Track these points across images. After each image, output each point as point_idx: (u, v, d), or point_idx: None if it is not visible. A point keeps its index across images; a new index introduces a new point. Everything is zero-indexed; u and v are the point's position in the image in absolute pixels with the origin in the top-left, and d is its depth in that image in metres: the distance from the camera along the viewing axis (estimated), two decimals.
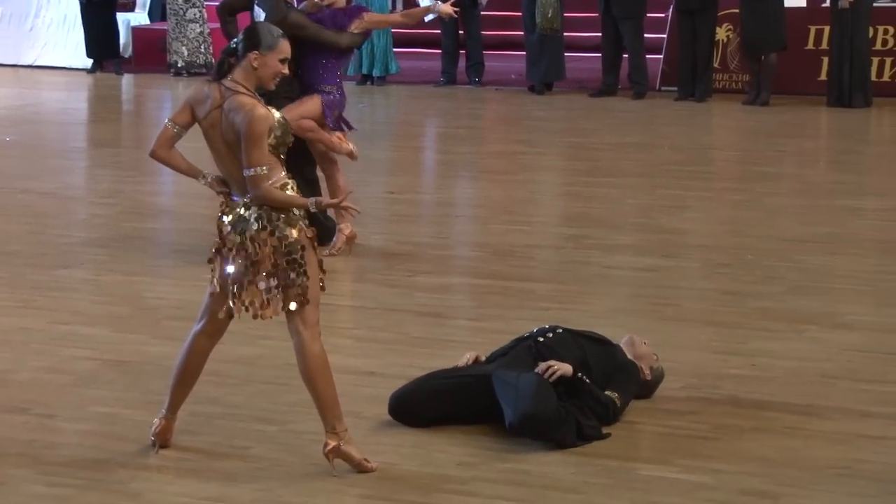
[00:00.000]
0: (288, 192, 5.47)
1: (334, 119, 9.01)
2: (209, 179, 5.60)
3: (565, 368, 5.89)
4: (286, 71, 5.57)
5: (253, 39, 5.49)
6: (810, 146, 13.65)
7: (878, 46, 15.68)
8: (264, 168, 5.38)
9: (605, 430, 5.82)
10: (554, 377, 5.87)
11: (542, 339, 6.10)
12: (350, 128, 9.18)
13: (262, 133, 5.39)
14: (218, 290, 5.57)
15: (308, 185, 8.71)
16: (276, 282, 5.47)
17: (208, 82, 5.56)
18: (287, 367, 6.29)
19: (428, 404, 5.96)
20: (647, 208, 10.45)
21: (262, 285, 5.48)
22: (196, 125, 5.59)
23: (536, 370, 5.89)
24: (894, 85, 15.72)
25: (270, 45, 5.48)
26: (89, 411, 6.22)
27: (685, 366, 6.74)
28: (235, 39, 5.57)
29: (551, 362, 5.91)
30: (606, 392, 5.96)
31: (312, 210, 5.48)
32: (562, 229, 10.02)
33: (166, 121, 5.61)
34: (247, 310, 5.51)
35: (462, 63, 17.52)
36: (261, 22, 5.55)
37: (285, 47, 5.52)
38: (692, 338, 7.24)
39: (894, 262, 8.77)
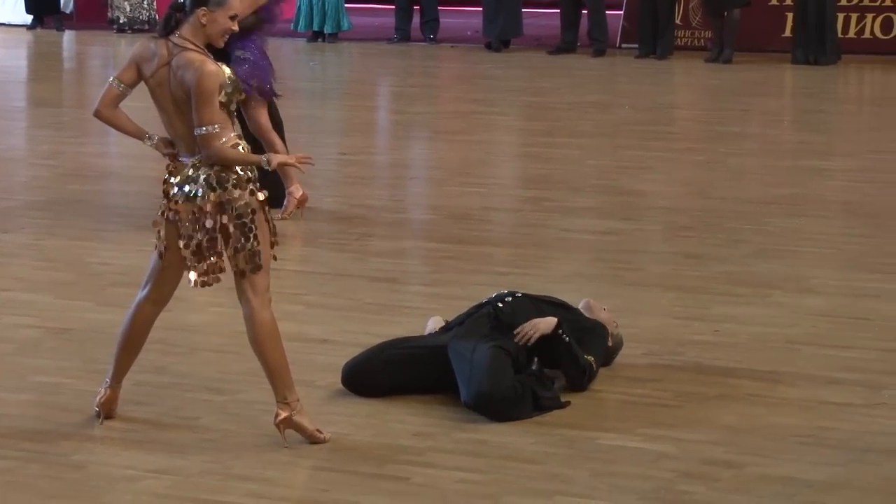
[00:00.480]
0: (240, 151, 5.44)
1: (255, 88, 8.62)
2: (155, 141, 5.55)
3: (545, 325, 5.87)
4: (236, 28, 5.52)
5: None
6: (774, 105, 13.69)
7: (844, 2, 15.72)
8: (216, 126, 5.34)
9: (564, 399, 5.83)
10: (532, 340, 5.85)
11: (500, 305, 6.10)
12: (275, 95, 8.93)
13: (213, 90, 5.34)
14: (164, 254, 5.53)
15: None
16: (224, 246, 5.43)
17: (154, 38, 5.50)
18: (236, 335, 6.26)
19: (382, 375, 5.94)
20: (607, 170, 10.46)
21: (210, 249, 5.44)
22: (142, 84, 5.53)
23: (516, 339, 5.88)
24: (860, 41, 15.77)
25: (220, 2, 5.44)
26: (31, 381, 6.17)
27: (647, 332, 6.76)
28: None
29: (526, 326, 5.89)
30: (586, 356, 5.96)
31: (266, 168, 5.44)
32: (520, 191, 10.01)
33: (111, 79, 5.55)
34: (198, 278, 5.48)
35: (416, 19, 17.46)
36: None
37: (235, 4, 5.48)
38: (654, 303, 7.25)
39: (860, 224, 8.82)
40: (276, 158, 5.49)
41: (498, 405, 5.69)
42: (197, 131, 5.35)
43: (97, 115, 5.59)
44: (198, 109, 5.34)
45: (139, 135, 5.57)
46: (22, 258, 8.27)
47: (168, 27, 5.47)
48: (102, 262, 8.04)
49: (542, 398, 5.79)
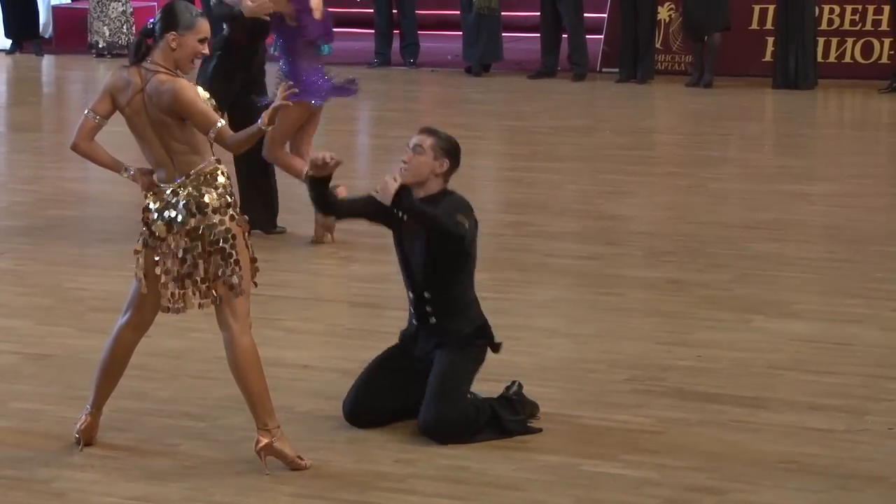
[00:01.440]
0: (219, 178, 5.44)
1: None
2: (132, 172, 5.55)
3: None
4: (206, 51, 5.54)
5: (171, 19, 5.45)
6: (755, 129, 13.73)
7: (824, 26, 15.78)
8: (221, 122, 5.35)
9: (538, 426, 5.82)
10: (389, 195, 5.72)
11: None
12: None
13: (194, 96, 5.38)
14: (143, 281, 5.52)
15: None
16: (204, 272, 5.42)
17: (126, 67, 5.51)
18: (216, 361, 6.25)
19: (387, 401, 5.90)
20: (588, 194, 10.48)
21: (190, 275, 5.43)
22: (117, 113, 5.54)
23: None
24: (840, 66, 15.83)
25: (189, 25, 5.45)
26: (10, 407, 6.15)
27: (629, 357, 6.76)
28: (152, 19, 5.53)
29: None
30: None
31: (263, 129, 5.35)
32: (501, 216, 10.01)
33: (86, 111, 5.55)
34: (175, 304, 5.47)
35: (396, 43, 17.49)
36: (178, 1, 5.51)
37: (204, 27, 5.49)
38: (636, 328, 7.26)
39: (841, 249, 8.84)
40: (266, 114, 5.41)
41: (449, 428, 5.68)
42: (211, 134, 5.36)
43: (75, 148, 5.58)
44: (194, 117, 5.36)
45: (116, 167, 5.58)
46: (1, 283, 8.24)
47: (139, 54, 5.49)
48: (82, 287, 8.03)
49: (506, 421, 5.78)
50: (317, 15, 8.97)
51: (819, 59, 15.52)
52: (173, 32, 5.43)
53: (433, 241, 5.83)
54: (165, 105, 5.38)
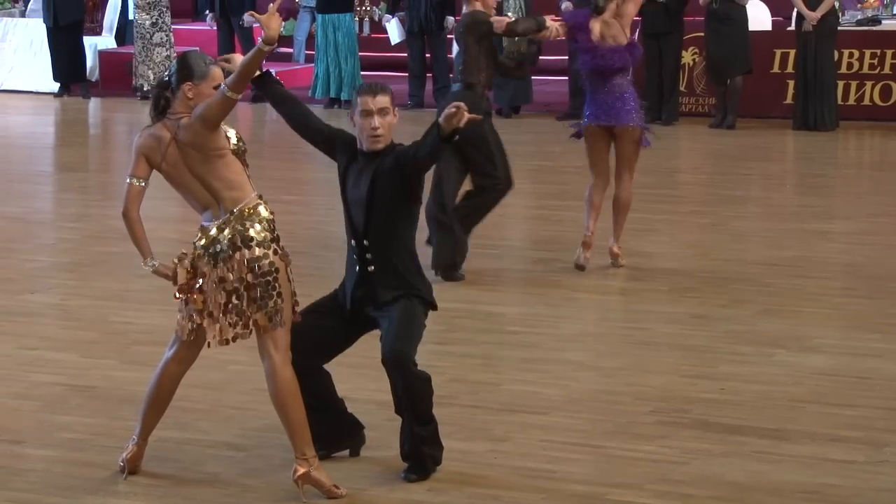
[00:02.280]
0: (262, 213, 5.48)
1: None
2: (155, 265, 5.55)
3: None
4: None
5: (185, 70, 5.50)
6: (776, 169, 13.70)
7: (844, 70, 15.76)
8: (226, 88, 5.35)
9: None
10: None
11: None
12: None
13: (203, 107, 5.41)
14: (186, 328, 5.55)
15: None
16: (248, 303, 5.45)
17: (150, 126, 5.55)
18: (255, 393, 6.28)
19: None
20: None
21: (234, 308, 5.46)
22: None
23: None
24: (859, 108, 15.80)
25: (203, 75, 5.50)
26: (57, 437, 6.17)
27: (654, 390, 6.75)
28: (168, 72, 5.57)
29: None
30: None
31: (265, 48, 5.37)
32: (530, 253, 10.02)
33: (128, 179, 5.56)
34: (222, 336, 5.49)
35: (429, 86, 17.54)
36: (190, 52, 5.58)
37: (218, 74, 5.54)
38: (661, 362, 7.25)
39: (861, 286, 8.81)
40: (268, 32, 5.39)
41: (406, 364, 5.61)
42: (223, 90, 5.35)
43: (126, 214, 5.57)
44: (210, 108, 5.38)
45: (145, 252, 5.57)
46: (48, 318, 8.29)
47: (159, 108, 5.54)
48: (126, 321, 8.06)
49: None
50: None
51: (839, 101, 15.49)
52: (189, 83, 5.48)
53: (382, 182, 5.70)
54: (191, 137, 5.43)
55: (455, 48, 9.73)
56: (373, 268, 5.76)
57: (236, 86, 5.36)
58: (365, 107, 5.74)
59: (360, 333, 5.92)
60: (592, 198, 9.42)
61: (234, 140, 5.56)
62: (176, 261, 5.57)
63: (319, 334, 5.78)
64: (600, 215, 9.30)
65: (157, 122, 5.53)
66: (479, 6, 9.33)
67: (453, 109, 5.61)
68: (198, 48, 19.10)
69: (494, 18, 9.29)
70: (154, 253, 5.59)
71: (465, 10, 9.45)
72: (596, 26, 9.21)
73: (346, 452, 5.90)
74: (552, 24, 9.35)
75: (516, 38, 16.37)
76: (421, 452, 5.64)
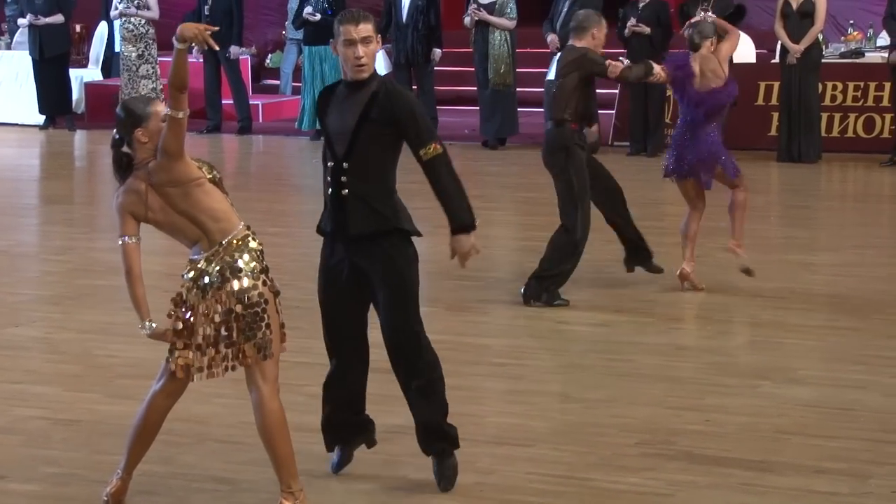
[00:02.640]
0: (251, 244, 5.48)
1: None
2: (154, 327, 5.51)
3: None
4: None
5: (130, 119, 5.50)
6: (761, 201, 13.70)
7: (828, 102, 15.83)
8: (178, 112, 5.34)
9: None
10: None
11: None
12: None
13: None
14: (177, 367, 5.54)
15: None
16: (237, 334, 5.45)
17: (124, 183, 5.52)
18: (241, 426, 6.27)
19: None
20: (600, 263, 10.47)
21: (223, 339, 5.46)
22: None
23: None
24: (843, 140, 15.86)
25: (147, 115, 5.49)
26: (41, 472, 6.15)
27: (639, 421, 6.75)
28: (115, 133, 5.54)
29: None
30: None
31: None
32: (517, 284, 10.01)
33: (121, 239, 5.52)
34: (211, 368, 5.48)
35: None
36: (126, 100, 5.56)
37: (159, 107, 5.52)
38: (646, 393, 7.25)
39: (844, 318, 8.83)
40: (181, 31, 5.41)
41: (411, 340, 5.85)
42: (173, 114, 5.34)
43: (131, 272, 5.50)
44: (167, 140, 5.38)
45: (144, 314, 5.50)
46: (32, 351, 8.27)
47: (123, 167, 5.52)
48: (111, 354, 8.05)
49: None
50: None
51: (823, 133, 15.55)
52: (139, 129, 5.47)
53: (372, 125, 5.68)
54: (164, 175, 5.42)
55: (549, 74, 9.65)
56: (347, 191, 5.74)
57: (176, 102, 5.35)
58: (348, 36, 5.69)
59: (367, 294, 5.88)
60: (689, 227, 9.68)
61: (206, 170, 5.56)
62: (170, 323, 5.52)
63: (346, 323, 5.88)
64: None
65: (130, 178, 5.51)
66: (591, 42, 9.33)
67: (462, 260, 5.85)
68: None
69: (610, 62, 9.25)
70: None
71: (572, 41, 9.44)
72: (696, 65, 9.38)
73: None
74: (659, 70, 9.47)
75: (502, 70, 16.47)
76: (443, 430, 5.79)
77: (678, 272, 9.52)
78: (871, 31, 16.92)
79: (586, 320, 8.85)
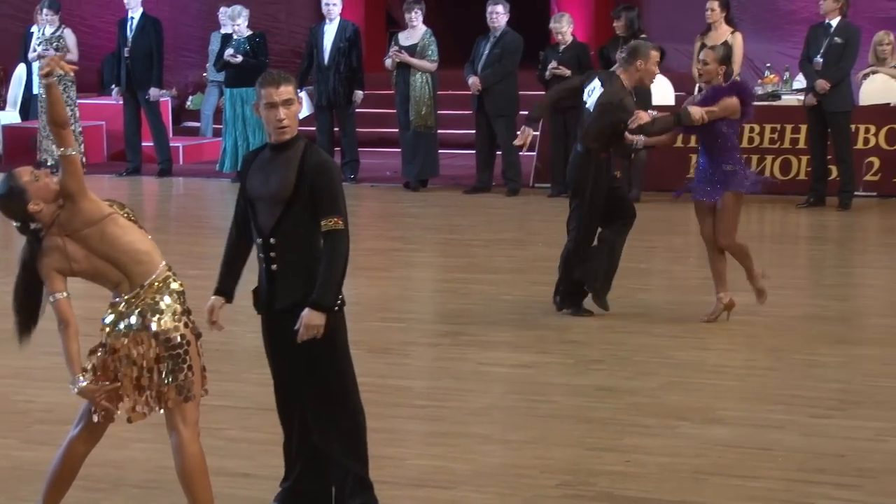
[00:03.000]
0: (172, 285, 5.45)
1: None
2: (83, 386, 5.45)
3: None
4: (53, 184, 5.49)
5: (14, 205, 5.48)
6: (680, 242, 13.84)
7: (745, 144, 15.98)
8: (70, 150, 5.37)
9: None
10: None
11: None
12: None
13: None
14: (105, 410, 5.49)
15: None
16: (157, 377, 5.41)
17: (42, 243, 5.47)
18: (159, 471, 6.21)
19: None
20: (521, 304, 10.52)
21: (143, 382, 5.42)
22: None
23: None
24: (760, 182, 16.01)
25: (21, 188, 5.47)
26: None
27: (560, 463, 6.76)
28: (13, 223, 5.49)
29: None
30: None
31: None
32: (438, 326, 10.04)
33: (52, 297, 5.46)
34: (134, 411, 5.44)
35: (337, 160, 17.58)
36: (7, 183, 5.52)
37: (25, 175, 5.50)
38: (566, 434, 7.27)
39: (762, 357, 8.91)
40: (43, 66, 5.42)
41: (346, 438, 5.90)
42: (63, 152, 5.36)
43: (69, 325, 5.45)
44: (66, 184, 5.39)
45: (76, 369, 5.45)
46: None
47: (32, 236, 5.48)
48: (28, 399, 7.95)
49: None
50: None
51: None
52: (27, 204, 5.45)
53: (302, 187, 5.69)
54: (75, 219, 5.39)
55: (588, 100, 9.88)
56: (276, 266, 5.75)
57: (61, 140, 5.36)
58: (269, 99, 5.71)
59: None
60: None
61: (116, 208, 5.52)
62: (92, 377, 5.47)
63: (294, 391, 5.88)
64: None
65: (45, 238, 5.45)
66: (634, 74, 9.70)
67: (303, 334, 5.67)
68: (103, 122, 19.06)
69: (638, 114, 9.49)
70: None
71: (620, 70, 9.73)
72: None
73: None
74: (700, 112, 9.45)
75: (423, 112, 16.52)
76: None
77: (726, 301, 9.79)
78: (787, 74, 17.14)
79: (508, 361, 8.86)
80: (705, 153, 9.74)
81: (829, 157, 15.10)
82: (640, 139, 9.78)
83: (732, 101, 9.49)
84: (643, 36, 14.79)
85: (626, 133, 9.63)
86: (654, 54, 9.82)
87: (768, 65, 17.15)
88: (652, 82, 10.68)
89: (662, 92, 16.87)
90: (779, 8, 20.11)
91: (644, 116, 9.55)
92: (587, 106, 9.86)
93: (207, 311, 5.84)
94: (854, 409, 7.65)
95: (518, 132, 10.11)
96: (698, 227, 10.06)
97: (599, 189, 9.86)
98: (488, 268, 12.10)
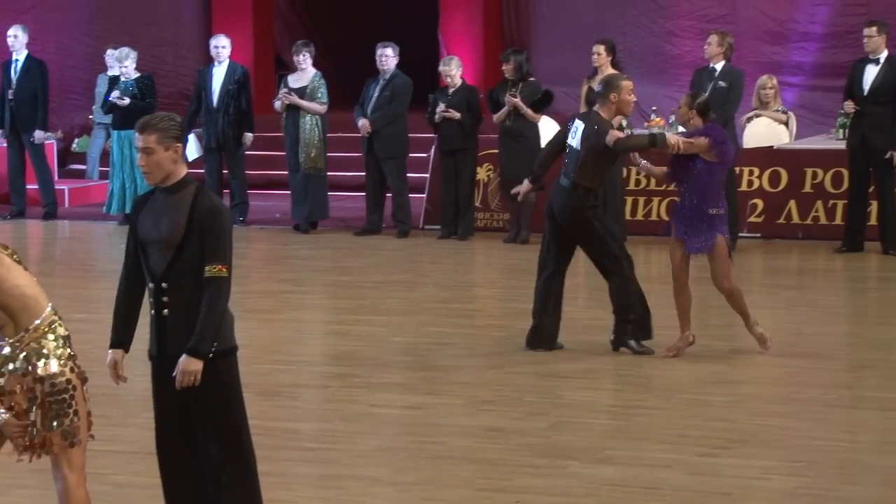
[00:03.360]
0: (58, 329, 5.40)
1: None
2: (6, 416, 5.39)
3: None
4: None
5: None
6: (568, 283, 13.87)
7: (632, 186, 16.21)
8: None
9: None
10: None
11: None
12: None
13: None
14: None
15: None
16: (42, 421, 5.35)
17: None
18: None
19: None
20: (412, 346, 10.54)
21: (30, 426, 5.36)
22: None
23: None
24: (647, 224, 16.21)
25: None
26: None
27: None
28: None
29: None
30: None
31: None
32: (328, 368, 10.02)
33: None
34: (18, 456, 5.38)
35: (226, 202, 17.51)
36: None
37: None
38: (456, 476, 7.29)
39: (650, 397, 9.01)
40: None
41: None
42: None
43: None
44: None
45: None
46: None
47: None
48: None
49: None
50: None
51: (628, 216, 15.91)
52: None
53: (193, 231, 5.70)
54: None
55: (573, 139, 10.08)
56: (167, 311, 5.73)
57: None
58: (136, 143, 5.78)
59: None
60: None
61: (1, 250, 5.47)
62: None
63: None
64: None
65: None
66: (610, 108, 9.99)
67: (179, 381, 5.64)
68: None
69: (611, 132, 9.80)
70: None
71: (598, 107, 10.05)
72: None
73: None
74: (676, 139, 9.85)
75: (313, 154, 16.52)
76: None
77: (760, 334, 9.94)
78: (672, 117, 17.40)
79: (398, 403, 8.87)
80: (690, 195, 9.91)
81: None
82: (642, 162, 10.19)
83: (702, 140, 9.78)
84: (610, 74, 15.05)
85: (614, 148, 9.89)
86: (627, 84, 10.09)
87: (654, 108, 17.37)
88: (630, 112, 10.98)
89: (550, 135, 17.01)
90: (664, 52, 20.43)
91: (618, 133, 9.92)
92: (574, 146, 10.02)
93: (110, 367, 5.82)
94: (740, 448, 7.76)
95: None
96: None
97: (598, 216, 10.13)
98: (378, 310, 12.11)
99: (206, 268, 5.68)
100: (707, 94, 14.97)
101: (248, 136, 17.23)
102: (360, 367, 9.85)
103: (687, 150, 9.75)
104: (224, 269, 5.70)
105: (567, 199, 10.01)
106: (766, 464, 7.46)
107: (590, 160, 9.89)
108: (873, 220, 14.98)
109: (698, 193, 9.84)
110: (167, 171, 5.75)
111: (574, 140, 10.04)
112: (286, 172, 17.13)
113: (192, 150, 17.64)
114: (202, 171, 17.53)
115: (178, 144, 5.79)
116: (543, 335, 10.11)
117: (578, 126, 10.06)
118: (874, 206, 14.98)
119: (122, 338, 5.88)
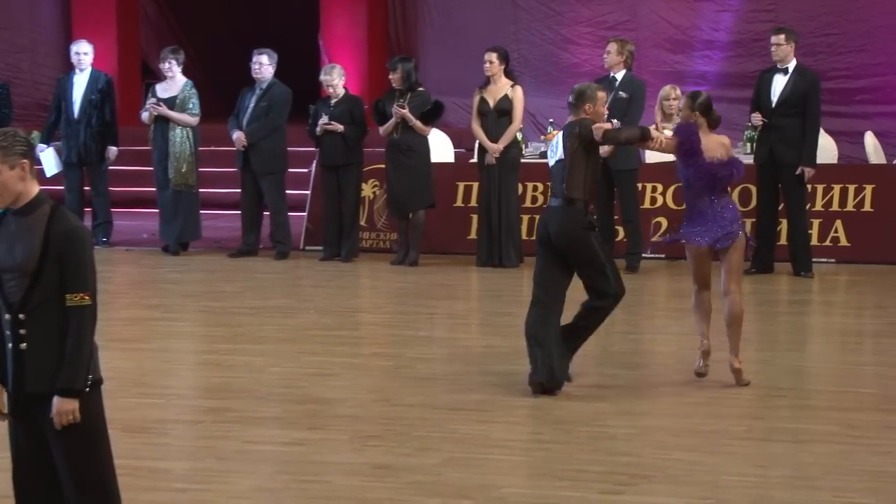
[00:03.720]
0: None
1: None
2: None
3: None
4: None
5: None
6: (462, 308, 13.97)
7: (528, 204, 16.27)
8: None
9: None
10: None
11: None
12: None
13: None
14: None
15: None
16: None
17: None
18: None
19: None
20: (292, 377, 10.48)
21: None
22: None
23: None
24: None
25: None
26: None
27: None
28: None
29: None
30: None
31: None
32: (200, 402, 9.92)
33: None
34: None
35: (88, 221, 17.32)
36: None
37: None
38: None
39: (548, 430, 9.02)
40: None
41: None
42: None
43: None
44: None
45: None
46: None
47: None
48: None
49: None
50: None
51: (524, 236, 15.94)
52: None
53: (49, 250, 5.62)
54: None
55: (553, 157, 10.04)
56: (25, 345, 5.65)
57: None
58: None
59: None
60: (703, 305, 10.14)
61: None
62: None
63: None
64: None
65: None
66: (588, 113, 9.91)
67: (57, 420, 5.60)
68: None
69: (595, 126, 9.79)
70: None
71: (570, 118, 9.99)
72: (704, 139, 9.93)
73: None
74: (658, 134, 10.00)
75: (184, 170, 16.39)
76: None
77: (703, 349, 10.04)
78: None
79: (276, 439, 8.80)
80: (706, 195, 9.92)
81: (615, 217, 15.41)
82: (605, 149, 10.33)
83: (671, 141, 9.94)
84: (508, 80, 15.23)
85: (603, 140, 9.93)
86: (601, 95, 10.13)
87: (551, 120, 17.49)
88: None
89: (441, 148, 17.08)
90: (560, 61, 20.60)
91: (604, 125, 9.95)
92: (556, 161, 10.00)
93: None
94: (645, 484, 7.79)
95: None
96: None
97: (594, 237, 10.02)
98: (255, 338, 12.03)
99: (67, 296, 5.60)
100: (607, 105, 15.16)
101: (113, 149, 17.06)
102: (234, 400, 9.76)
103: (667, 148, 9.94)
104: (87, 297, 5.63)
105: (564, 219, 9.87)
106: (673, 501, 7.49)
107: (577, 165, 9.79)
108: (783, 240, 15.17)
109: (720, 190, 10.00)
110: (15, 191, 5.65)
111: (554, 156, 10.00)
112: (154, 189, 16.99)
113: (52, 164, 17.43)
114: (62, 187, 17.32)
115: (25, 161, 5.68)
116: (557, 379, 9.85)
117: (558, 140, 10.04)
118: (784, 225, 15.17)
119: None
